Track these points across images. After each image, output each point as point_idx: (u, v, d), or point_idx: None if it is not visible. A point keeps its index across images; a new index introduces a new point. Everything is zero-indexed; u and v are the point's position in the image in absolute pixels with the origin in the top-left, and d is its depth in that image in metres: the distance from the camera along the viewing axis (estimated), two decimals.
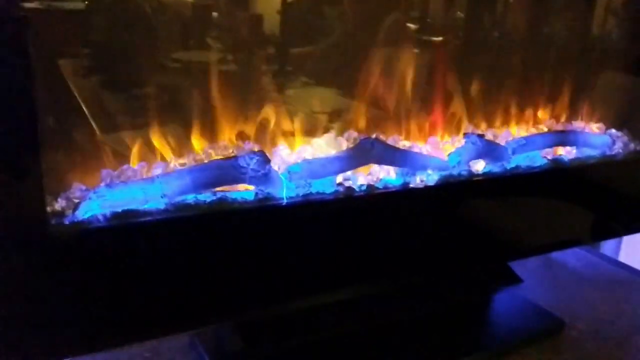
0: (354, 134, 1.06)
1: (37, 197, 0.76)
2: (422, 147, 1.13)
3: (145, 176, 0.89)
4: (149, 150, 0.91)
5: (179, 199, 0.88)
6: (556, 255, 1.64)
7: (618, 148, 1.36)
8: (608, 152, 1.35)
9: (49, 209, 0.79)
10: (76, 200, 0.83)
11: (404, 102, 1.14)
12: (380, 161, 1.05)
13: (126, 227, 0.83)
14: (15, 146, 0.72)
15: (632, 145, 1.39)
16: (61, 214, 0.82)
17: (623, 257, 2.04)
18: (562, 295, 1.48)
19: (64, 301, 0.81)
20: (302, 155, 1.00)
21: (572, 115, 1.38)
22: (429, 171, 1.09)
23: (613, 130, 1.39)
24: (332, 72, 1.11)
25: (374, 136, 1.05)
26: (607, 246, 2.13)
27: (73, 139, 0.88)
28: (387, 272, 1.10)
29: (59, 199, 0.83)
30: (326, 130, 1.08)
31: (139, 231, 0.84)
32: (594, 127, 1.38)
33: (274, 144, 1.00)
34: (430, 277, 1.22)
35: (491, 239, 1.22)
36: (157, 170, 0.89)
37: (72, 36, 0.87)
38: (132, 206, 0.84)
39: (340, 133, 1.06)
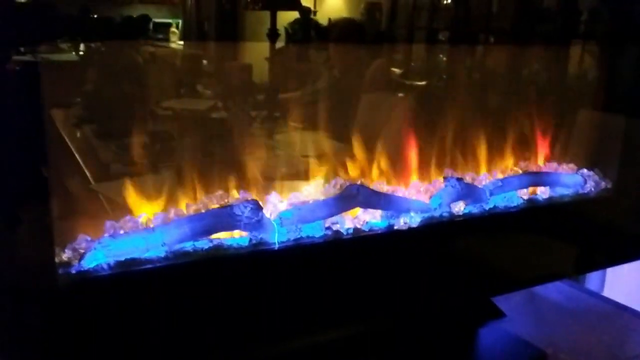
0: (341, 181, 1.13)
1: (46, 249, 0.82)
2: (405, 191, 1.21)
3: (146, 226, 0.95)
4: (148, 201, 0.98)
5: (177, 246, 0.94)
6: (539, 289, 1.70)
7: (590, 187, 1.44)
8: (581, 191, 1.43)
9: (56, 259, 0.85)
10: (82, 251, 0.89)
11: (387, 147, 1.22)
12: (366, 205, 1.12)
13: (129, 275, 0.89)
14: (25, 197, 0.79)
15: (603, 184, 1.47)
16: (68, 264, 0.87)
17: (607, 292, 2.11)
18: (545, 328, 1.53)
19: (74, 347, 0.86)
20: (292, 202, 1.07)
21: (546, 156, 1.46)
22: (412, 213, 1.16)
23: (584, 170, 1.48)
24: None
25: (359, 182, 1.13)
26: (591, 281, 2.19)
27: (78, 191, 0.95)
28: (375, 310, 1.16)
29: (66, 250, 0.89)
30: (313, 176, 1.15)
31: (141, 278, 0.90)
32: (567, 167, 1.46)
33: (265, 191, 1.07)
34: (414, 314, 1.27)
35: (474, 276, 1.28)
36: (157, 221, 0.95)
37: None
38: (134, 255, 0.90)
39: (328, 180, 1.13)
